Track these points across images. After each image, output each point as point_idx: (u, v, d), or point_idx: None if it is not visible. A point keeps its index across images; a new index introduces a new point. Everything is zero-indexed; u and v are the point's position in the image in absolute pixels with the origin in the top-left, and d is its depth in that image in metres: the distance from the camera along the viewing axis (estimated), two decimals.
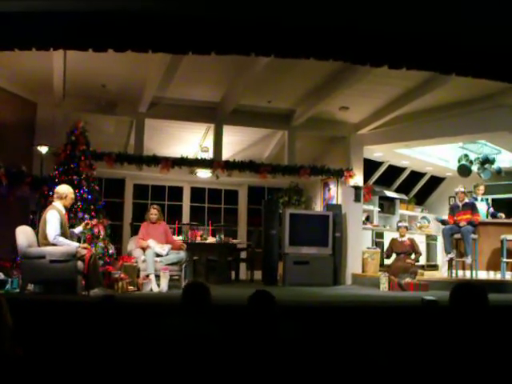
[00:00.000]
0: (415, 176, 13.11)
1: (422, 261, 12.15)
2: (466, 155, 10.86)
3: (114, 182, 10.84)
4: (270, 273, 9.56)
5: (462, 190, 9.70)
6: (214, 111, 9.66)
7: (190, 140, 10.45)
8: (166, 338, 3.22)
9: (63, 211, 6.70)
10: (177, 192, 11.45)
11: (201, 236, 9.89)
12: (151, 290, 7.50)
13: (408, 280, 8.81)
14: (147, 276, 7.61)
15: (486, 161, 10.69)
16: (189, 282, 3.71)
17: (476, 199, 10.01)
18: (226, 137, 10.37)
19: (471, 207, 9.53)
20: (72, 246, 6.46)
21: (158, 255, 7.80)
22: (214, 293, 3.60)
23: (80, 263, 6.35)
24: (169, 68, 7.82)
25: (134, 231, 9.39)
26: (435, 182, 13.45)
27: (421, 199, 13.67)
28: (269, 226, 9.66)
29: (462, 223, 9.29)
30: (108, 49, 5.50)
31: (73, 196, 6.90)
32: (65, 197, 6.75)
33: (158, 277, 7.60)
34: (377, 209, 11.87)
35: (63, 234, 6.52)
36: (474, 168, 10.86)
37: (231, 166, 9.66)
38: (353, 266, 10.27)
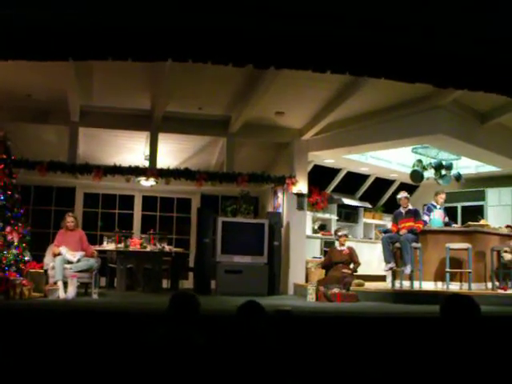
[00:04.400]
0: (383, 184, 12.65)
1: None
2: (419, 160, 10.40)
3: (64, 191, 10.97)
4: (203, 281, 9.41)
5: (405, 195, 9.37)
6: (148, 119, 9.59)
7: (134, 149, 10.42)
8: (153, 346, 3.23)
9: None
10: (128, 200, 11.44)
11: (140, 244, 9.86)
12: (58, 296, 7.49)
13: (335, 291, 8.48)
14: (55, 283, 7.64)
15: (440, 166, 10.20)
16: (176, 293, 3.69)
17: (435, 207, 9.59)
18: (172, 144, 10.35)
19: (414, 214, 9.16)
20: None
21: (69, 262, 7.81)
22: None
23: None
24: (79, 76, 7.84)
25: None
26: (407, 189, 12.82)
27: (393, 207, 13.13)
28: (202, 234, 9.53)
29: (403, 231, 8.93)
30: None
31: None
32: None
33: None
34: (334, 217, 11.50)
35: None
36: (429, 174, 10.38)
37: (165, 174, 9.56)
38: (295, 275, 9.98)
